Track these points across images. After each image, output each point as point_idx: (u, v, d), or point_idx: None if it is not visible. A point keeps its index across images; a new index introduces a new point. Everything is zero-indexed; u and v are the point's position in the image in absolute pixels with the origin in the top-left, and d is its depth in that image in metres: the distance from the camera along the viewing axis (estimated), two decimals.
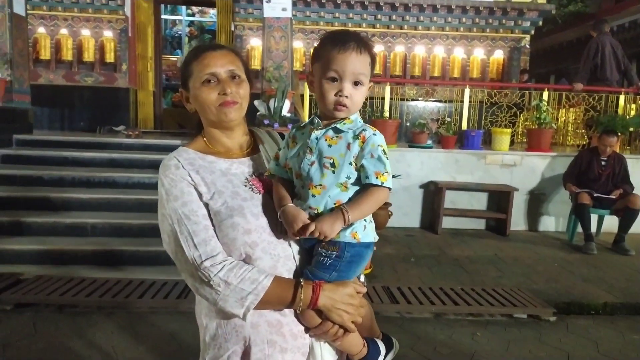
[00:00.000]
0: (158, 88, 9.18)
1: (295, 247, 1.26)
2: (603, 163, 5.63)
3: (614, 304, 3.91)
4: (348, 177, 1.18)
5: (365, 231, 1.22)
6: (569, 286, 4.26)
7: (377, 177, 1.17)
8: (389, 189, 1.19)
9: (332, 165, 1.18)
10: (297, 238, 1.20)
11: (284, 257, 1.23)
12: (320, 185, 1.18)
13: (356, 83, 1.19)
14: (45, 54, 8.04)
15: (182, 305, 3.56)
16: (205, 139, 1.35)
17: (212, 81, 1.26)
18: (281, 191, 1.24)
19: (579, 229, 5.59)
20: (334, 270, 1.20)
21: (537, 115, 6.50)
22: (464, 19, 8.18)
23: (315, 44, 1.25)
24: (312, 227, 1.14)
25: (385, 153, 1.19)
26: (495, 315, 3.71)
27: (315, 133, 1.22)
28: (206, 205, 1.23)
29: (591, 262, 5.02)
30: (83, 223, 4.60)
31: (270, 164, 1.31)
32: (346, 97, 1.18)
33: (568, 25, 11.85)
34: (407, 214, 6.20)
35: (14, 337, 3.11)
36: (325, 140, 1.20)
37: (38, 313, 3.46)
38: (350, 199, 1.19)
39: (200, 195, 1.23)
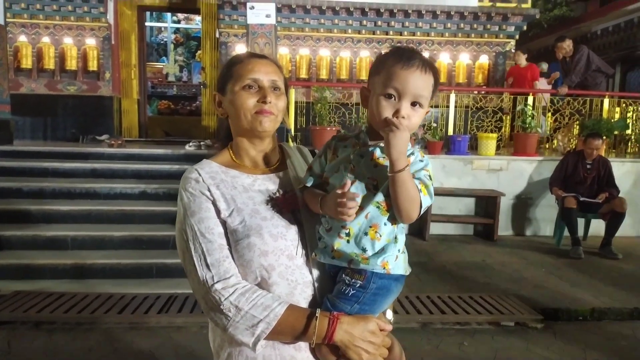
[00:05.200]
0: (143, 96, 9.08)
1: (316, 273, 1.18)
2: (588, 166, 5.64)
3: (602, 309, 3.88)
4: (387, 195, 1.09)
5: (396, 262, 1.13)
6: (556, 292, 4.23)
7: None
8: (422, 206, 1.10)
9: (375, 187, 1.10)
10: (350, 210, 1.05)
11: (302, 284, 1.15)
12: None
13: (414, 104, 1.09)
14: (27, 62, 7.90)
15: (163, 320, 3.48)
16: (231, 151, 1.29)
17: (253, 87, 1.21)
18: (317, 191, 1.16)
19: (567, 233, 5.58)
20: (356, 302, 1.11)
21: (523, 120, 6.51)
22: (448, 24, 8.18)
23: (377, 56, 1.16)
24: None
25: (430, 179, 1.11)
26: (483, 324, 3.66)
27: (361, 150, 1.13)
28: (224, 222, 1.16)
29: (578, 266, 5.01)
30: (63, 236, 4.49)
31: (305, 176, 1.23)
32: (402, 117, 1.07)
33: (554, 29, 11.93)
34: None
35: None
36: (372, 159, 1.11)
37: (14, 330, 3.35)
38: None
39: (218, 211, 1.16)
